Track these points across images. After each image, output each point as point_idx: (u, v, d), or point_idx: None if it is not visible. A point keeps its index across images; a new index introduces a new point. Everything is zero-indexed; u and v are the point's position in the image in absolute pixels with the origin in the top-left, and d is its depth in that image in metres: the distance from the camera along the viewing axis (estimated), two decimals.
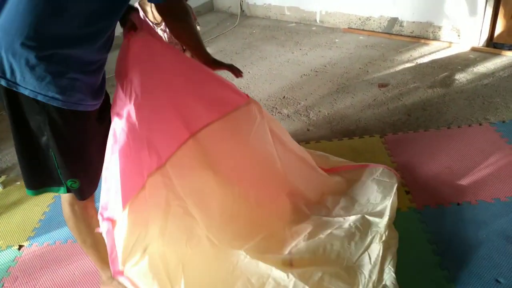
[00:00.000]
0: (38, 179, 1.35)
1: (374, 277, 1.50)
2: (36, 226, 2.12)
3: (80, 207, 1.45)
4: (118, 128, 1.34)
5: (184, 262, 1.50)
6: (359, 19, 4.16)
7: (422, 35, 3.78)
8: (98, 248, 1.53)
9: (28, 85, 1.16)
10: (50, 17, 1.11)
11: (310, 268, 1.55)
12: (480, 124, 2.44)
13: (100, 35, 1.23)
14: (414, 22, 3.79)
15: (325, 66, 3.50)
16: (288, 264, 1.60)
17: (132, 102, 1.34)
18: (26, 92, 1.17)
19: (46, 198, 2.31)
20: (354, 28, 4.21)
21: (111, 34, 1.28)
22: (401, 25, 3.89)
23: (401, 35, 3.90)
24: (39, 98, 1.18)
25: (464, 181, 2.02)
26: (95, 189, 1.47)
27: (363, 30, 4.15)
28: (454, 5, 3.47)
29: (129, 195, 1.36)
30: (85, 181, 1.39)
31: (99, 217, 1.35)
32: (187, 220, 1.54)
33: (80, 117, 1.28)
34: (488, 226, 1.75)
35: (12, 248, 2.00)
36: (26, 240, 2.04)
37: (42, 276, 1.81)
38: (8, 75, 1.14)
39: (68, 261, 1.87)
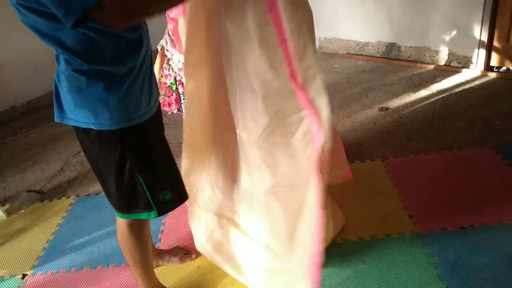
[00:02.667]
0: (128, 206, 1.40)
1: None
2: (40, 255, 2.12)
3: (138, 227, 1.48)
4: None
5: None
6: (358, 44, 4.24)
7: (419, 59, 3.85)
8: (149, 268, 1.60)
9: (109, 120, 1.22)
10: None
11: None
12: (481, 147, 2.46)
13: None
14: (411, 47, 3.86)
15: None
16: None
17: None
18: (113, 127, 1.23)
19: (51, 226, 2.32)
20: (352, 54, 4.28)
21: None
22: (398, 50, 3.96)
23: (399, 59, 3.97)
24: (120, 126, 1.23)
25: (467, 205, 2.02)
26: (186, 195, 1.51)
27: (361, 55, 4.22)
28: (451, 30, 3.55)
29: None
30: (173, 188, 1.44)
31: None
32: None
33: (147, 127, 1.33)
34: (492, 250, 1.75)
35: (15, 277, 1.99)
36: (30, 269, 2.03)
37: None
38: (93, 119, 1.21)
39: None
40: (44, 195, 2.64)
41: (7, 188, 2.78)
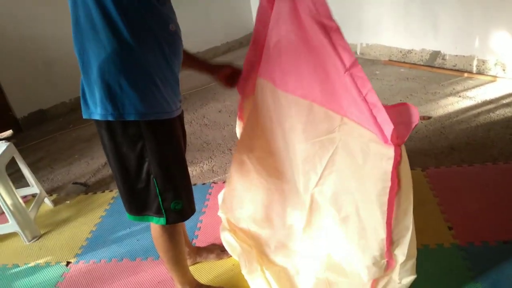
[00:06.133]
0: (139, 207, 1.39)
1: None
2: (83, 244, 2.22)
3: (171, 225, 1.46)
4: None
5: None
6: (400, 51, 4.18)
7: (465, 68, 3.75)
8: (182, 264, 1.62)
9: (132, 109, 1.20)
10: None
11: None
12: None
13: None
14: (457, 55, 3.76)
15: None
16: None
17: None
18: (132, 118, 1.20)
19: (94, 217, 2.42)
20: (394, 61, 4.22)
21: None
22: (443, 58, 3.87)
23: (443, 68, 3.88)
24: (147, 118, 1.22)
25: (511, 219, 1.96)
26: (194, 207, 1.49)
27: (404, 62, 4.15)
28: (499, 39, 3.43)
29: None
30: (186, 198, 1.42)
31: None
32: None
33: (172, 126, 1.32)
34: None
35: (60, 264, 2.10)
36: (74, 257, 2.13)
37: None
38: (110, 110, 1.19)
39: (112, 280, 1.94)
40: (89, 188, 2.76)
41: (54, 180, 2.93)
